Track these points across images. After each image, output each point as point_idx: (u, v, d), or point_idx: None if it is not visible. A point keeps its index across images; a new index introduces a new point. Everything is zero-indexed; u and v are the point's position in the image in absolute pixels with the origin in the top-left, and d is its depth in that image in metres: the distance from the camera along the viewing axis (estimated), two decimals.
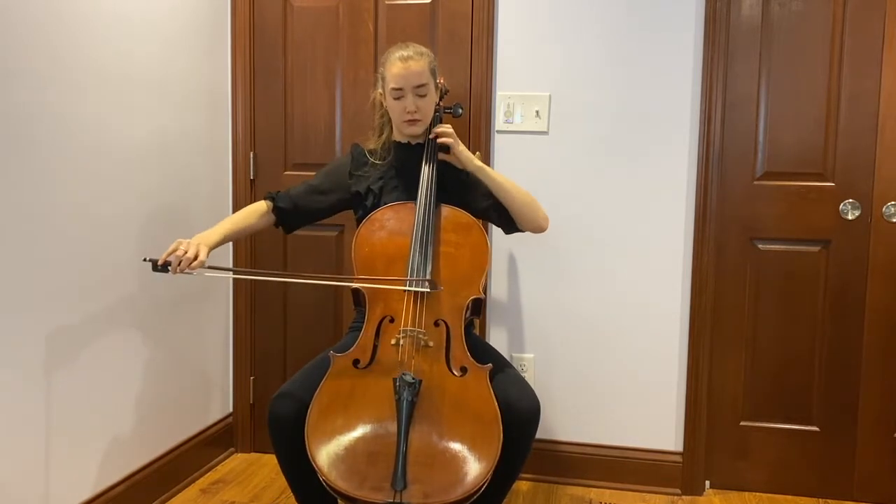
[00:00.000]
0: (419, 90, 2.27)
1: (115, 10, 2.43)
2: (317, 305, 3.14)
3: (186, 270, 2.06)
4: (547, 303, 2.95)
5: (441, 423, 1.94)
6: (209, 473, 3.02)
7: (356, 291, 2.24)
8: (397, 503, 1.83)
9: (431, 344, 2.07)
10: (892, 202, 2.71)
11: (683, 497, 2.89)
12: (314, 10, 3.04)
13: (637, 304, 2.89)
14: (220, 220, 3.03)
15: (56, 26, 2.19)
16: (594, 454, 2.96)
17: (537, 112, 2.89)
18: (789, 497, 2.87)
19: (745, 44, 2.78)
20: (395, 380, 1.96)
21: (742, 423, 2.90)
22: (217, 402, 3.15)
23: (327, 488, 1.90)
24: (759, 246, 2.84)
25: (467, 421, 1.95)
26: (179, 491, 2.84)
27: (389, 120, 2.40)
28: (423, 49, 2.31)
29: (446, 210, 2.26)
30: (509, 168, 2.90)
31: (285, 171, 3.12)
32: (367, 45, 3.01)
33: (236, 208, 3.13)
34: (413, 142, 2.38)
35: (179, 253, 2.06)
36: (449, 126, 2.32)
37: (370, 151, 2.42)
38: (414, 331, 2.07)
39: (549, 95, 2.88)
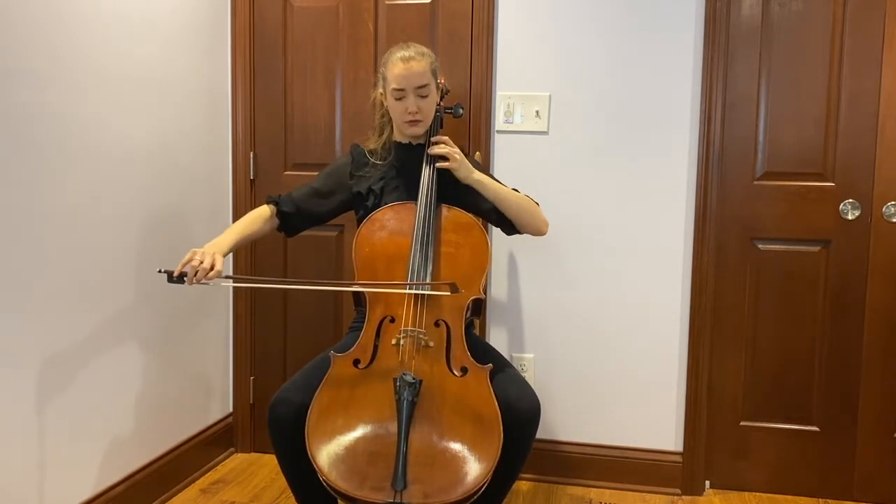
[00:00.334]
0: (421, 91, 2.27)
1: (115, 10, 2.43)
2: (317, 305, 3.14)
3: (203, 281, 2.04)
4: (547, 303, 2.95)
5: (441, 423, 1.94)
6: (209, 473, 3.02)
7: (357, 291, 2.24)
8: (397, 503, 1.83)
9: (432, 344, 2.07)
10: (892, 202, 2.71)
11: (683, 497, 2.89)
12: (314, 10, 3.04)
13: (637, 303, 2.89)
14: (219, 220, 3.08)
15: (56, 26, 2.19)
16: (594, 454, 2.96)
17: (537, 112, 2.89)
18: (789, 497, 2.87)
19: (745, 44, 2.78)
20: (395, 380, 1.96)
21: (742, 423, 2.90)
22: (217, 402, 3.15)
23: (327, 488, 1.90)
24: (759, 246, 2.84)
25: (468, 421, 1.95)
26: (179, 491, 2.84)
27: (390, 120, 2.40)
28: (425, 49, 2.31)
29: (447, 210, 2.26)
30: (509, 168, 2.91)
31: (285, 171, 3.12)
32: (367, 45, 3.01)
33: (236, 208, 3.14)
34: (414, 142, 2.38)
35: (195, 263, 2.03)
36: (445, 143, 2.29)
37: (370, 151, 2.42)
38: (414, 331, 2.07)
39: (549, 95, 2.88)
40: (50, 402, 2.24)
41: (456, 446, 1.92)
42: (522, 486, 2.94)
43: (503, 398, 2.02)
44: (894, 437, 2.80)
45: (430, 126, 2.35)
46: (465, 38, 2.91)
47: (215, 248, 2.12)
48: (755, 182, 2.82)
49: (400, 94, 2.26)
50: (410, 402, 1.91)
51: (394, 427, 1.91)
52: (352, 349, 2.09)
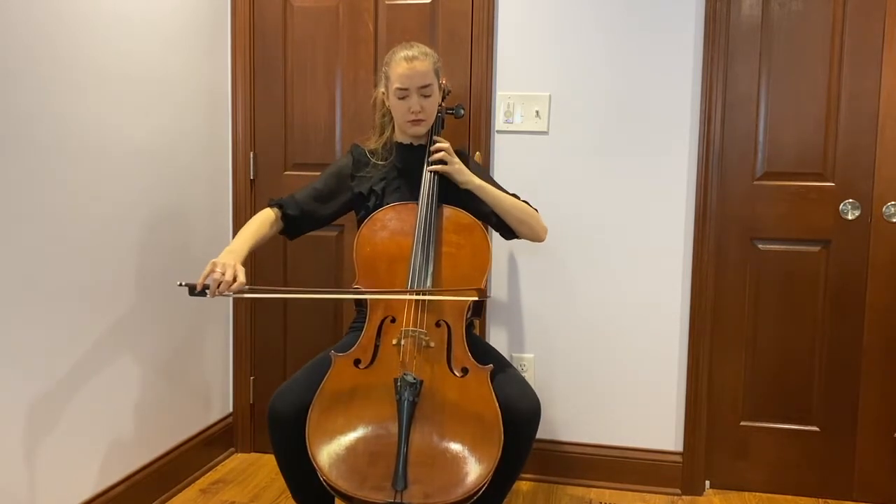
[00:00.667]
0: (424, 91, 2.27)
1: (115, 10, 2.43)
2: (317, 305, 3.14)
3: (225, 293, 2.01)
4: (547, 303, 2.95)
5: (442, 423, 1.94)
6: (209, 473, 3.02)
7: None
8: (398, 503, 1.83)
9: (433, 344, 2.07)
10: (892, 202, 2.71)
11: (683, 497, 2.89)
12: (314, 10, 3.04)
13: (637, 304, 2.89)
14: (219, 220, 3.08)
15: (56, 26, 2.19)
16: (594, 454, 2.96)
17: (537, 112, 2.89)
18: (789, 497, 2.87)
19: (745, 44, 2.78)
20: (396, 380, 1.96)
21: (742, 423, 2.90)
22: (217, 402, 3.15)
23: (328, 488, 1.90)
24: (759, 246, 2.84)
25: (468, 422, 1.96)
26: (179, 491, 2.84)
27: (391, 119, 2.40)
28: (428, 49, 2.31)
29: (448, 210, 2.26)
30: (509, 168, 2.91)
31: (285, 171, 3.12)
32: (367, 45, 3.01)
33: (236, 208, 3.14)
34: (415, 143, 2.38)
35: (217, 276, 2.00)
36: (445, 148, 2.28)
37: (371, 151, 2.41)
38: (415, 331, 2.07)
39: (549, 95, 2.88)
40: (50, 402, 2.24)
41: (456, 447, 1.92)
42: (522, 486, 2.94)
43: (504, 399, 2.02)
44: (894, 437, 2.80)
45: (432, 126, 2.35)
46: (465, 38, 2.91)
47: (234, 258, 2.08)
48: (755, 182, 2.82)
49: (403, 93, 2.26)
50: (411, 403, 1.91)
51: (394, 427, 1.91)
52: (353, 349, 2.09)
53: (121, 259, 2.51)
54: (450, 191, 2.30)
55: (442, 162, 2.26)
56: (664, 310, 2.87)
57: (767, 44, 2.77)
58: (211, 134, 3.03)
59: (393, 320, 2.12)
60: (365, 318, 2.17)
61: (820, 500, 2.85)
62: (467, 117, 2.89)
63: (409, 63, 2.24)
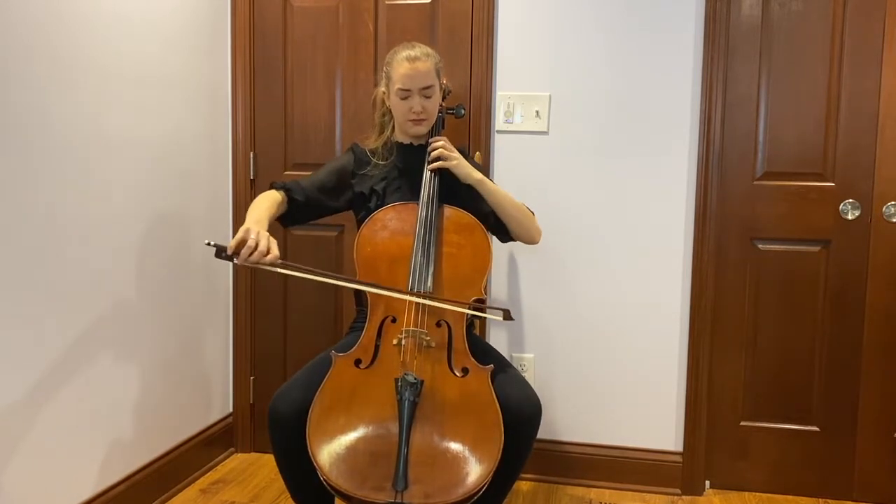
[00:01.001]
0: (426, 91, 2.27)
1: (115, 10, 2.43)
2: (317, 305, 3.14)
3: (255, 263, 1.94)
4: (547, 303, 2.95)
5: (443, 423, 1.94)
6: (209, 473, 3.02)
7: (359, 291, 2.23)
8: (398, 503, 1.83)
9: (433, 344, 2.07)
10: (892, 202, 2.71)
11: (683, 497, 2.89)
12: (314, 10, 3.04)
13: (637, 304, 2.89)
14: (219, 220, 3.08)
15: (56, 26, 2.19)
16: (594, 454, 2.96)
17: (537, 112, 2.89)
18: (789, 497, 2.87)
19: (745, 44, 2.78)
20: (396, 380, 1.96)
21: (742, 423, 2.90)
22: (217, 402, 3.15)
23: (328, 488, 1.90)
24: (759, 246, 2.84)
25: (469, 422, 1.96)
26: (179, 491, 2.84)
27: (391, 119, 2.40)
28: (430, 50, 2.31)
29: (449, 211, 2.26)
30: (509, 168, 2.91)
31: (285, 171, 3.11)
32: (367, 45, 3.01)
33: (236, 208, 3.14)
34: (416, 143, 2.38)
35: (251, 244, 1.93)
36: (443, 144, 2.29)
37: (371, 151, 2.41)
38: (416, 331, 2.07)
39: (549, 95, 2.88)
40: (50, 401, 2.23)
41: (457, 447, 1.92)
42: (523, 485, 2.94)
43: (504, 399, 2.02)
44: (894, 437, 2.80)
45: (433, 126, 2.35)
46: (465, 38, 2.91)
47: (261, 227, 2.00)
48: (755, 182, 2.82)
49: (405, 93, 2.26)
50: (412, 403, 1.91)
51: (395, 427, 1.91)
52: (353, 349, 2.09)
53: (121, 258, 2.51)
54: (450, 191, 2.30)
55: (440, 159, 2.26)
56: (664, 310, 2.88)
57: (767, 44, 2.77)
58: (211, 134, 3.02)
59: (394, 320, 2.12)
60: (365, 317, 2.17)
61: (820, 500, 2.85)
62: (467, 117, 2.89)
63: (411, 63, 2.24)
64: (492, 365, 2.07)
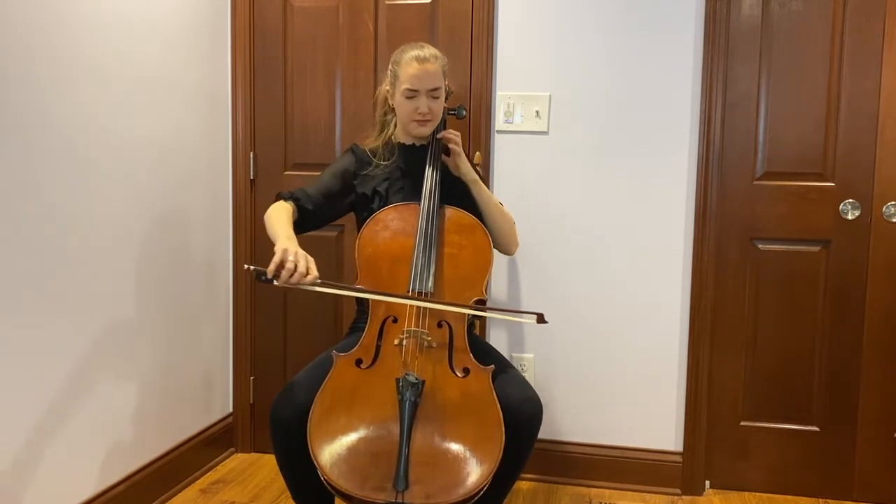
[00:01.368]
0: (433, 93, 2.27)
1: (115, 10, 2.43)
2: (317, 305, 3.14)
3: (295, 285, 1.94)
4: (547, 302, 2.94)
5: (444, 424, 1.94)
6: (209, 473, 3.02)
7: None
8: (399, 503, 1.83)
9: (434, 345, 2.07)
10: (892, 202, 2.72)
11: (683, 497, 2.89)
12: (314, 10, 3.04)
13: (637, 304, 2.89)
14: (219, 220, 3.08)
15: (56, 26, 2.19)
16: (594, 454, 2.96)
17: (537, 112, 2.89)
18: (789, 497, 2.87)
19: (745, 44, 2.78)
20: (398, 380, 1.95)
21: (742, 423, 2.90)
22: (217, 402, 3.15)
23: (328, 487, 1.90)
24: (759, 246, 2.84)
25: (470, 422, 1.95)
26: (179, 491, 2.84)
27: (393, 118, 2.40)
28: (437, 52, 2.31)
29: (450, 211, 2.26)
30: (509, 168, 2.91)
31: (285, 171, 3.11)
32: (367, 45, 3.01)
33: (236, 208, 3.14)
34: (418, 143, 2.38)
35: (290, 266, 1.93)
36: (458, 133, 2.34)
37: (372, 151, 2.40)
38: (417, 331, 2.07)
39: (549, 95, 2.88)
40: (50, 402, 2.23)
41: (458, 447, 1.92)
42: (522, 485, 2.94)
43: (505, 400, 2.01)
44: (894, 437, 2.80)
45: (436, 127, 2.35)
46: (465, 38, 2.91)
47: (296, 245, 2.00)
48: (755, 182, 2.82)
49: (412, 93, 2.26)
50: (413, 403, 1.91)
51: (396, 427, 1.91)
52: (355, 349, 2.09)
53: (121, 258, 2.50)
54: (452, 191, 2.30)
55: (447, 150, 2.29)
56: (664, 310, 2.88)
57: (767, 44, 2.77)
58: (211, 134, 3.02)
59: (395, 320, 2.12)
60: (366, 318, 2.17)
61: (820, 500, 2.85)
62: (467, 117, 2.89)
63: (420, 64, 2.24)
64: (493, 365, 2.07)
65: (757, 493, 2.90)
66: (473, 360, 2.07)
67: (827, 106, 2.74)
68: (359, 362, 2.06)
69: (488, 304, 2.94)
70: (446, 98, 2.41)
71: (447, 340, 2.09)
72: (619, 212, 2.87)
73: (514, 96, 2.90)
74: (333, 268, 3.09)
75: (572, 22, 2.85)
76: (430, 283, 2.13)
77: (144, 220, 2.62)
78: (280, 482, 2.75)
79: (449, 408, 1.97)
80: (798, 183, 2.79)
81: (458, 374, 2.04)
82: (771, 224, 2.82)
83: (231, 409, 3.23)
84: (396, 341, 2.07)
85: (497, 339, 2.99)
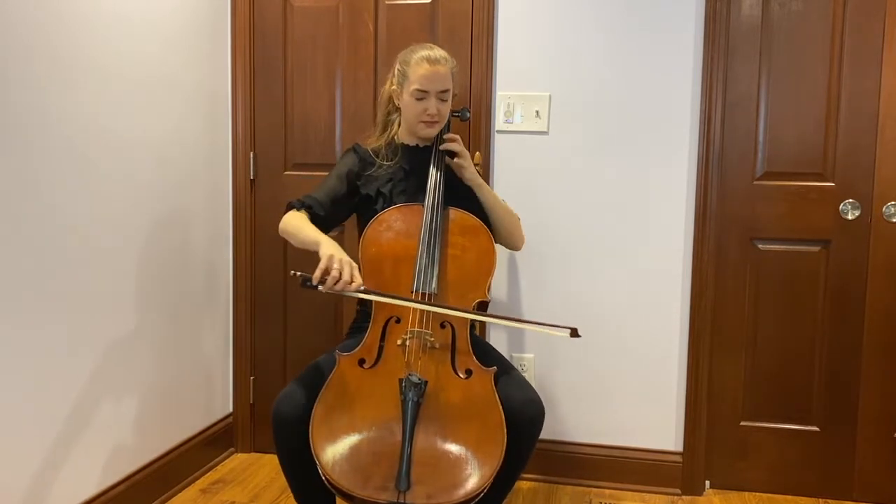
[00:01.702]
0: (443, 95, 2.28)
1: (115, 10, 2.42)
2: (317, 305, 3.13)
3: (340, 291, 1.97)
4: (547, 303, 2.95)
5: (446, 424, 1.94)
6: (209, 473, 3.02)
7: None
8: (400, 503, 1.83)
9: (437, 345, 2.07)
10: (892, 202, 2.72)
11: (683, 497, 2.89)
12: (314, 10, 3.04)
13: (637, 304, 2.89)
14: (219, 221, 3.08)
15: (56, 26, 2.18)
16: (594, 454, 2.96)
17: (537, 112, 2.89)
18: (789, 497, 2.87)
19: (745, 44, 2.78)
20: (400, 380, 1.96)
21: (742, 423, 2.90)
22: (217, 402, 3.15)
23: (330, 487, 1.90)
24: (759, 246, 2.84)
25: (472, 423, 1.96)
26: (179, 491, 2.83)
27: (397, 117, 2.39)
28: (447, 54, 2.31)
29: (454, 213, 2.26)
30: (509, 168, 2.91)
31: (285, 171, 3.11)
32: (367, 45, 3.01)
33: (236, 208, 3.14)
34: (421, 144, 2.38)
35: (335, 274, 1.95)
36: (458, 137, 2.34)
37: (374, 151, 2.40)
38: (421, 332, 2.07)
39: (549, 95, 2.88)
40: (50, 401, 2.23)
41: (460, 448, 1.92)
42: (523, 485, 2.94)
43: (507, 401, 2.01)
44: (894, 437, 2.81)
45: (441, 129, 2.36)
46: (465, 38, 2.91)
47: (341, 252, 2.03)
48: (755, 182, 2.82)
49: (422, 94, 2.26)
50: (415, 403, 1.91)
51: (398, 427, 1.91)
52: (357, 349, 2.09)
53: (121, 258, 2.50)
54: (455, 191, 2.30)
55: (451, 154, 2.29)
56: (664, 310, 2.88)
57: (767, 44, 2.77)
58: (211, 134, 3.02)
59: (398, 320, 2.11)
60: (367, 318, 2.16)
61: (820, 500, 2.85)
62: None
63: (432, 66, 2.24)
64: (495, 367, 2.07)
65: (757, 493, 2.90)
66: (476, 361, 2.07)
67: (827, 106, 2.74)
68: (362, 362, 2.06)
69: (490, 306, 2.95)
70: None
71: (450, 341, 2.09)
72: (619, 212, 2.87)
73: (514, 96, 2.90)
74: None
75: (572, 22, 2.85)
76: (434, 285, 2.13)
77: (144, 220, 2.61)
78: (280, 482, 2.76)
79: (451, 409, 1.97)
80: (798, 183, 2.79)
81: (461, 376, 2.04)
82: (771, 224, 2.82)
83: (231, 409, 3.23)
84: (399, 342, 2.07)
85: (497, 338, 2.99)
